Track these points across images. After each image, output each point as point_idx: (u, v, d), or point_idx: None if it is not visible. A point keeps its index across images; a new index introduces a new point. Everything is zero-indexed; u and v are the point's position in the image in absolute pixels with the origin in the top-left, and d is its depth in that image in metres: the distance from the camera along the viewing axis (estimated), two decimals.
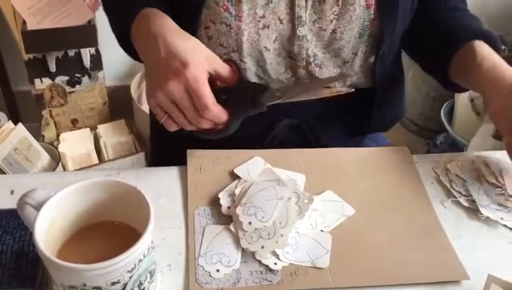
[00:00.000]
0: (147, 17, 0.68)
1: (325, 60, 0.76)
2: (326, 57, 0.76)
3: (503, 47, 2.00)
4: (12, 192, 0.66)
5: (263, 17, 0.71)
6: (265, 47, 0.73)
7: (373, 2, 0.71)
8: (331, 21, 0.72)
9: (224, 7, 0.70)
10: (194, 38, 0.65)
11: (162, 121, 0.64)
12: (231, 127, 0.64)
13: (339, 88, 0.73)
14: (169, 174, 0.71)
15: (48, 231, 0.49)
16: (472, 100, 1.84)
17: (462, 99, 1.85)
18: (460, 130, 1.83)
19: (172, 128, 0.65)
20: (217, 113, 0.61)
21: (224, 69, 0.64)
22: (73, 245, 0.53)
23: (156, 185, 0.69)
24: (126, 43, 0.72)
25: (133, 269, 0.47)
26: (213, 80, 0.64)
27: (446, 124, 1.84)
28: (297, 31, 0.73)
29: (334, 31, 0.73)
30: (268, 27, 0.72)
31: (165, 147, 0.93)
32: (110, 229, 0.54)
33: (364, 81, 0.81)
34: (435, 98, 1.98)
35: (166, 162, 0.73)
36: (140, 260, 0.48)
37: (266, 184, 0.66)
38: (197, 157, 0.72)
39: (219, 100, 0.62)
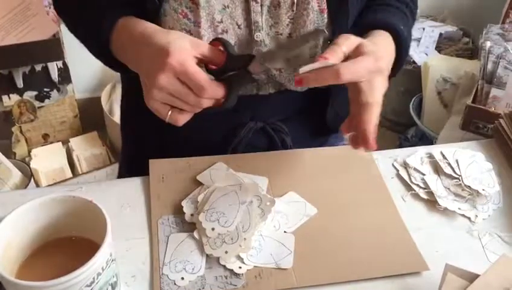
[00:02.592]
0: (123, 27, 0.68)
1: (284, 63, 0.77)
2: (285, 60, 0.77)
3: (466, 39, 2.05)
4: None
5: (221, 22, 0.72)
6: None
7: (325, 6, 0.72)
8: (287, 25, 0.73)
9: (183, 14, 0.70)
10: (176, 31, 0.65)
11: (167, 119, 0.63)
12: (230, 101, 0.64)
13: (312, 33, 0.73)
14: (132, 185, 0.71)
15: (5, 250, 0.49)
16: (439, 93, 1.88)
17: (430, 92, 1.88)
18: (429, 123, 1.86)
19: (181, 121, 0.63)
20: (213, 89, 0.61)
21: (210, 51, 0.63)
22: (33, 263, 0.53)
23: (119, 196, 0.69)
24: (108, 58, 0.71)
25: (92, 283, 0.48)
26: (204, 63, 0.64)
27: (415, 118, 1.88)
28: (255, 36, 0.74)
29: (290, 35, 0.74)
30: (227, 32, 0.73)
31: (134, 158, 0.93)
32: (70, 245, 0.54)
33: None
34: (404, 93, 2.01)
35: (136, 172, 0.73)
36: (99, 274, 0.48)
37: (228, 189, 0.66)
38: (159, 166, 0.73)
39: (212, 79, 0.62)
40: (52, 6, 1.64)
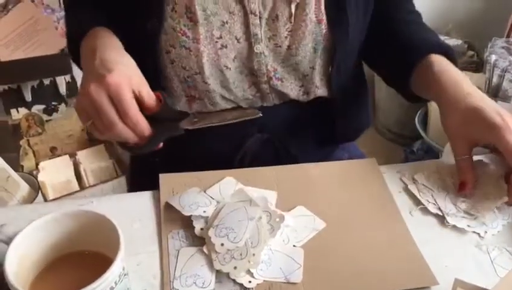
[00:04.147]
0: (96, 33, 0.71)
1: (285, 74, 0.78)
2: (286, 70, 0.78)
3: (471, 52, 2.06)
4: None
5: (220, 37, 0.73)
6: (225, 66, 0.75)
7: (324, 17, 0.73)
8: (286, 37, 0.74)
9: (182, 32, 0.72)
10: (130, 58, 0.67)
11: (86, 125, 0.64)
12: (151, 143, 0.65)
13: (248, 112, 0.75)
14: (143, 199, 0.72)
15: (19, 265, 0.50)
16: None
17: (435, 105, 1.88)
18: (435, 136, 1.86)
19: (96, 134, 0.64)
20: (137, 119, 0.61)
21: (148, 94, 0.64)
22: (46, 277, 0.53)
23: (129, 210, 0.70)
24: (76, 57, 0.74)
25: None
26: (140, 106, 0.64)
27: (421, 131, 1.88)
28: (255, 48, 0.75)
29: (289, 47, 0.75)
30: (226, 47, 0.74)
31: (144, 172, 0.94)
32: (82, 259, 0.55)
33: (329, 93, 0.83)
34: (409, 106, 2.00)
35: (145, 187, 0.74)
36: (112, 288, 0.49)
37: (237, 205, 0.67)
38: (169, 181, 0.73)
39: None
40: (60, 22, 1.67)
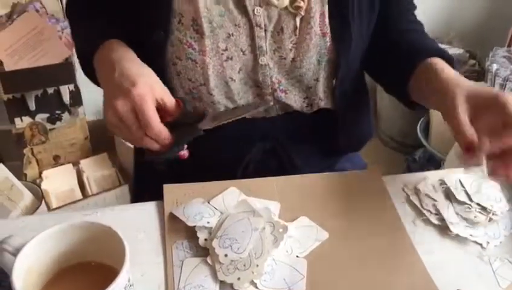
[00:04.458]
0: (110, 46, 0.72)
1: (289, 85, 0.79)
2: (290, 82, 0.79)
3: (473, 61, 2.07)
4: None
5: (226, 49, 0.74)
6: (230, 78, 0.76)
7: (328, 30, 0.74)
8: (290, 50, 0.75)
9: (188, 44, 0.73)
10: (149, 68, 0.69)
11: (121, 137, 0.67)
12: (173, 150, 0.66)
13: (261, 103, 0.78)
14: (147, 210, 0.72)
15: (26, 276, 0.50)
16: None
17: (437, 114, 1.89)
18: (437, 145, 1.87)
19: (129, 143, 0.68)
20: (159, 130, 0.63)
21: (170, 102, 0.66)
22: (53, 288, 0.54)
23: (134, 221, 0.70)
24: (88, 70, 0.75)
25: None
26: (160, 113, 0.67)
27: (423, 140, 1.88)
28: (260, 60, 0.76)
29: (294, 59, 0.76)
30: (231, 59, 0.75)
31: (148, 181, 0.94)
32: (89, 271, 0.55)
33: (332, 104, 0.84)
34: (411, 114, 2.02)
35: (149, 196, 0.75)
36: None
37: (241, 215, 0.68)
38: (173, 191, 0.74)
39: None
40: (64, 31, 1.69)
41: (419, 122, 1.96)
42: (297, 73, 0.77)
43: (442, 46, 2.09)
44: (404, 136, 2.13)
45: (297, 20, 0.73)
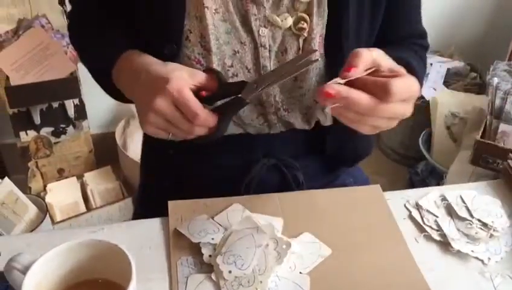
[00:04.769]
0: (127, 57, 0.73)
1: (290, 104, 0.80)
2: (291, 101, 0.80)
3: (474, 74, 2.08)
4: None
5: (232, 66, 0.75)
6: None
7: (323, 52, 0.75)
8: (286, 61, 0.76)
9: (196, 60, 0.74)
10: (172, 62, 0.69)
11: (167, 138, 0.67)
12: (222, 128, 0.67)
13: (305, 55, 0.70)
14: (152, 226, 0.73)
15: None
16: (448, 127, 1.90)
17: (439, 127, 1.91)
18: (439, 158, 1.88)
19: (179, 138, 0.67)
20: (206, 117, 0.64)
21: (205, 80, 0.67)
22: None
23: (139, 237, 0.71)
24: (109, 87, 0.76)
25: None
26: (198, 91, 0.67)
27: (425, 152, 1.89)
28: None
29: (296, 79, 0.77)
30: (237, 75, 0.76)
31: (153, 196, 0.95)
32: (95, 288, 0.56)
33: (332, 122, 0.85)
34: (413, 127, 2.04)
35: (154, 210, 0.76)
36: None
37: (245, 232, 0.69)
38: (177, 207, 0.75)
39: (206, 107, 0.65)
40: (70, 46, 1.71)
41: (421, 134, 1.97)
42: (298, 93, 0.78)
43: (444, 59, 2.12)
44: (406, 148, 2.14)
45: (301, 41, 0.74)
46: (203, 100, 0.66)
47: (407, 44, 0.85)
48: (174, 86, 0.62)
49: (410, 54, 0.83)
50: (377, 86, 0.60)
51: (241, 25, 0.74)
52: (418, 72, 0.76)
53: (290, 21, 0.73)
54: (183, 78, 0.64)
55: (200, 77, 0.67)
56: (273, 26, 0.74)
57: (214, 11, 0.71)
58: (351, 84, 0.60)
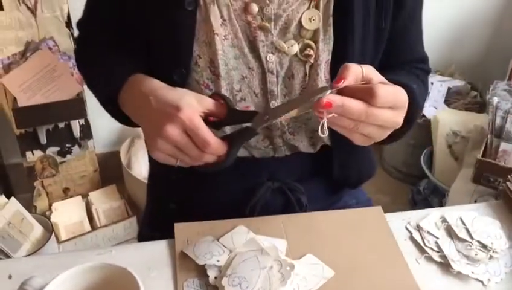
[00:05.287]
0: (134, 81, 0.74)
1: (296, 128, 0.82)
2: (297, 125, 0.82)
3: (474, 93, 2.11)
4: (10, 276, 0.69)
5: (240, 90, 0.77)
6: None
7: (329, 77, 0.77)
8: (299, 94, 0.79)
9: (205, 84, 0.77)
10: (181, 88, 0.70)
11: (175, 165, 0.67)
12: (231, 157, 0.67)
13: (317, 90, 0.68)
14: (159, 248, 0.75)
15: None
16: (450, 146, 1.92)
17: (440, 146, 1.92)
18: (440, 176, 1.89)
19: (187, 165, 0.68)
20: (217, 146, 0.65)
21: (214, 105, 0.68)
22: None
23: (146, 259, 0.73)
24: (115, 112, 0.78)
25: None
26: (206, 116, 0.69)
27: (427, 171, 1.91)
28: (271, 104, 0.79)
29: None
30: (245, 100, 0.78)
31: (159, 217, 0.97)
32: None
33: (335, 146, 0.87)
34: (415, 146, 2.05)
35: (160, 231, 0.78)
36: None
37: (249, 254, 0.70)
38: (183, 229, 0.77)
39: (215, 134, 0.66)
40: (76, 68, 1.74)
41: (423, 153, 1.99)
42: (304, 117, 0.80)
43: (444, 78, 2.15)
44: (409, 166, 2.15)
45: (307, 67, 0.76)
46: (211, 125, 0.67)
47: (409, 68, 0.87)
48: (186, 114, 0.63)
49: (411, 77, 0.85)
50: (363, 92, 0.62)
51: (250, 51, 0.76)
52: (417, 94, 0.77)
53: (296, 48, 0.75)
54: (194, 106, 0.66)
55: (209, 103, 0.68)
56: (280, 53, 0.76)
57: (223, 38, 0.74)
58: (340, 94, 0.62)
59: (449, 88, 2.10)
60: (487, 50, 2.28)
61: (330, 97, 0.60)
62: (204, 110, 0.68)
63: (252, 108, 0.78)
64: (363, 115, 0.61)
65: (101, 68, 0.82)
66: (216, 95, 0.71)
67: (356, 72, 0.63)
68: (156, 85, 0.71)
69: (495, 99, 1.62)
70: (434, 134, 1.95)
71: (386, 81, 0.66)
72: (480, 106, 2.05)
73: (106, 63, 0.82)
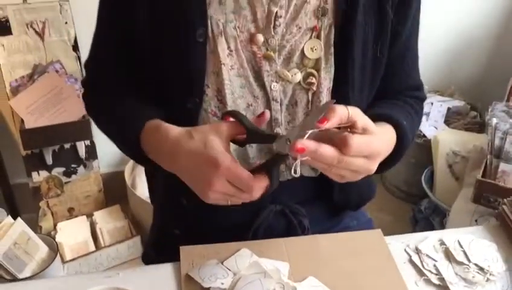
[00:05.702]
0: (153, 130, 0.75)
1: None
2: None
3: (474, 113, 2.13)
4: None
5: None
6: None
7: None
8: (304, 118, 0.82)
9: (212, 112, 0.79)
10: (195, 130, 0.71)
11: (229, 203, 0.71)
12: (274, 183, 0.71)
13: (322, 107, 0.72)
14: (164, 271, 0.77)
15: None
16: (450, 166, 1.94)
17: (441, 165, 1.94)
18: (441, 195, 1.90)
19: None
20: (259, 183, 0.68)
21: (233, 129, 0.70)
22: None
23: (152, 281, 0.75)
24: (138, 156, 0.78)
25: None
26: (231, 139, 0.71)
27: (427, 190, 1.93)
28: (275, 131, 0.82)
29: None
30: None
31: (165, 240, 0.99)
32: None
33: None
34: (415, 165, 2.07)
35: (166, 253, 0.80)
36: None
37: (253, 277, 0.72)
38: (189, 253, 0.79)
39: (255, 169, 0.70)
40: (82, 90, 1.77)
41: (424, 173, 2.00)
42: None
43: (444, 98, 2.18)
44: (410, 186, 2.17)
45: (310, 94, 0.79)
46: (237, 144, 0.71)
47: (404, 97, 0.90)
48: (225, 166, 0.65)
49: (405, 109, 0.87)
50: (339, 139, 0.65)
51: (255, 80, 0.79)
52: (407, 129, 0.80)
53: (299, 76, 0.79)
54: (222, 152, 0.67)
55: (227, 129, 0.70)
56: (284, 81, 0.79)
57: (230, 67, 0.77)
58: (323, 133, 0.65)
59: (449, 108, 2.13)
60: (486, 71, 2.32)
61: (304, 143, 0.63)
62: (227, 140, 0.70)
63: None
64: (334, 161, 0.64)
65: (115, 114, 0.83)
66: (227, 115, 0.72)
67: (341, 115, 0.65)
68: (178, 136, 0.71)
69: (494, 120, 1.65)
70: (434, 154, 1.97)
71: (370, 125, 0.68)
72: (480, 126, 2.08)
73: (119, 108, 0.83)
